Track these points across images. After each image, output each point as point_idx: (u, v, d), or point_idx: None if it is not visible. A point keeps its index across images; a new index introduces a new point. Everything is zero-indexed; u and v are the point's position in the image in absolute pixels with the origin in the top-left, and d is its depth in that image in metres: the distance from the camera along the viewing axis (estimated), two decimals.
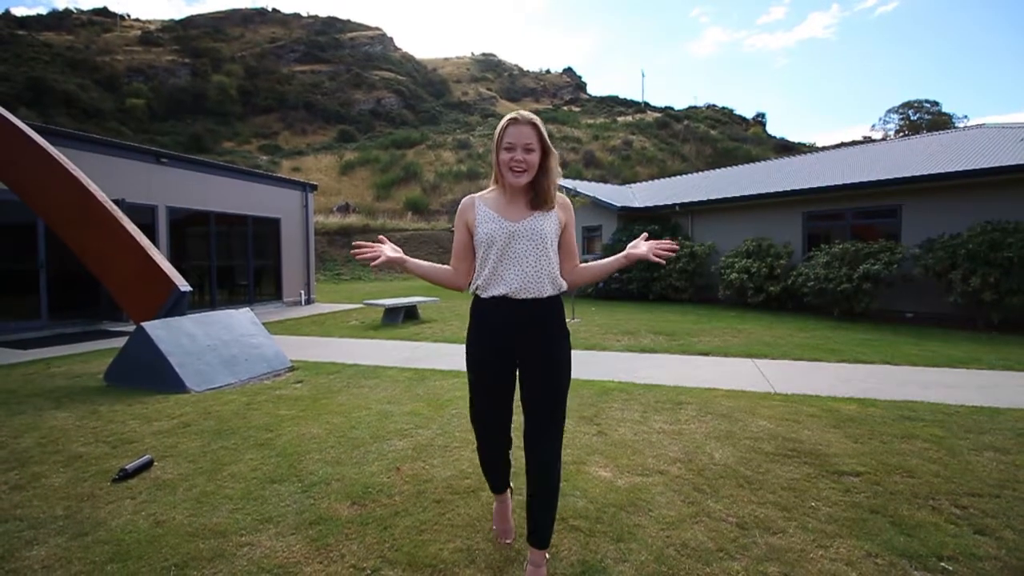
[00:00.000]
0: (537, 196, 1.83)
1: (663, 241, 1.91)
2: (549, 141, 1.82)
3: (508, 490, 2.22)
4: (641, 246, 1.93)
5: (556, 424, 1.87)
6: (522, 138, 1.77)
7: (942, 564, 2.05)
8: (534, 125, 1.78)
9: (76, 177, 5.57)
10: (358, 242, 1.81)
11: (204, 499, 2.65)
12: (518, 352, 1.86)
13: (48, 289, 8.86)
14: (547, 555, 1.98)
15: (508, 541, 2.14)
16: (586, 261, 2.05)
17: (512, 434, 2.13)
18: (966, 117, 58.70)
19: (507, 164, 1.79)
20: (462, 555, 2.14)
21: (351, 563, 2.09)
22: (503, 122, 1.81)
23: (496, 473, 2.12)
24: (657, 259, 1.89)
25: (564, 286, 1.91)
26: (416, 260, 1.94)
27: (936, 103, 56.51)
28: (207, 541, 2.25)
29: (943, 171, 9.16)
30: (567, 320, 1.99)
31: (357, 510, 2.52)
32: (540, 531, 1.90)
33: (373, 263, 1.82)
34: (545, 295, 1.84)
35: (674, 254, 1.94)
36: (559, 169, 1.87)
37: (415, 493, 2.70)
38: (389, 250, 1.87)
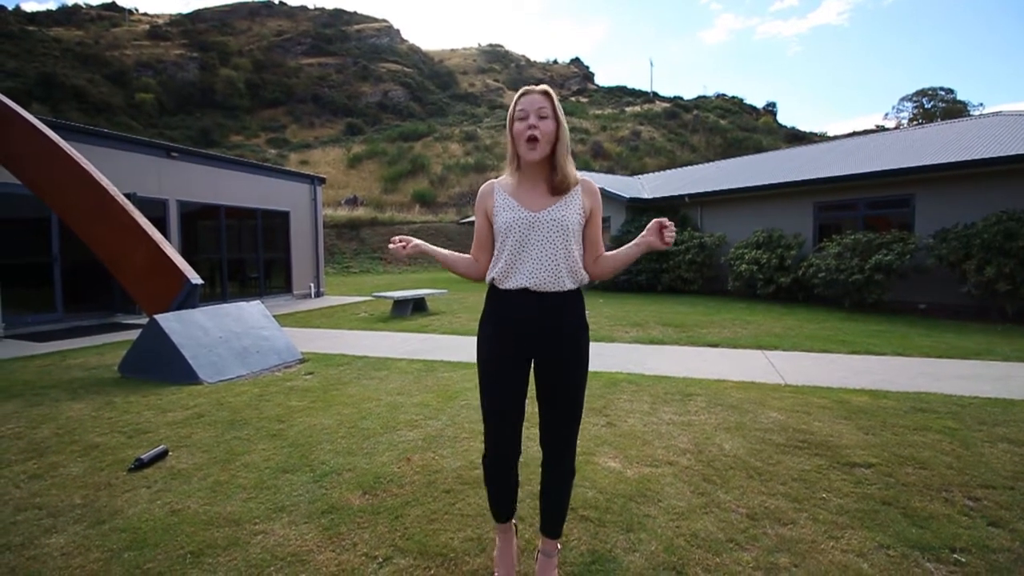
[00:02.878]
0: (555, 177, 1.74)
1: (662, 221, 1.72)
2: (561, 112, 1.74)
3: (514, 525, 2.00)
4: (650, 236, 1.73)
5: (574, 419, 1.83)
6: (535, 104, 1.70)
7: (955, 556, 2.04)
8: (547, 94, 1.72)
9: (88, 172, 5.62)
10: (398, 235, 1.83)
11: (218, 488, 2.69)
12: (535, 346, 1.78)
13: (62, 282, 8.97)
14: (559, 545, 1.99)
15: None
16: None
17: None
18: (981, 105, 57.33)
19: (521, 134, 1.70)
20: (472, 544, 2.16)
21: (363, 551, 2.11)
22: (515, 96, 1.76)
23: (503, 487, 1.90)
24: (666, 245, 1.72)
25: (585, 279, 1.83)
26: (438, 248, 1.90)
27: (951, 91, 55.34)
28: (221, 529, 2.29)
29: (957, 160, 9.00)
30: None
31: (368, 499, 2.55)
32: (553, 521, 1.89)
33: (403, 252, 1.84)
34: (565, 288, 1.75)
35: (673, 233, 1.73)
36: (569, 144, 1.79)
37: (425, 483, 2.72)
38: (416, 241, 1.88)
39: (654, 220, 1.73)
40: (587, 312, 1.90)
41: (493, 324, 1.81)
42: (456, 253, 1.93)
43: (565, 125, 1.74)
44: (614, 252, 1.88)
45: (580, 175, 1.81)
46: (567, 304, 1.78)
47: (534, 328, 1.75)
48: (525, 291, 1.74)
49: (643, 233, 1.75)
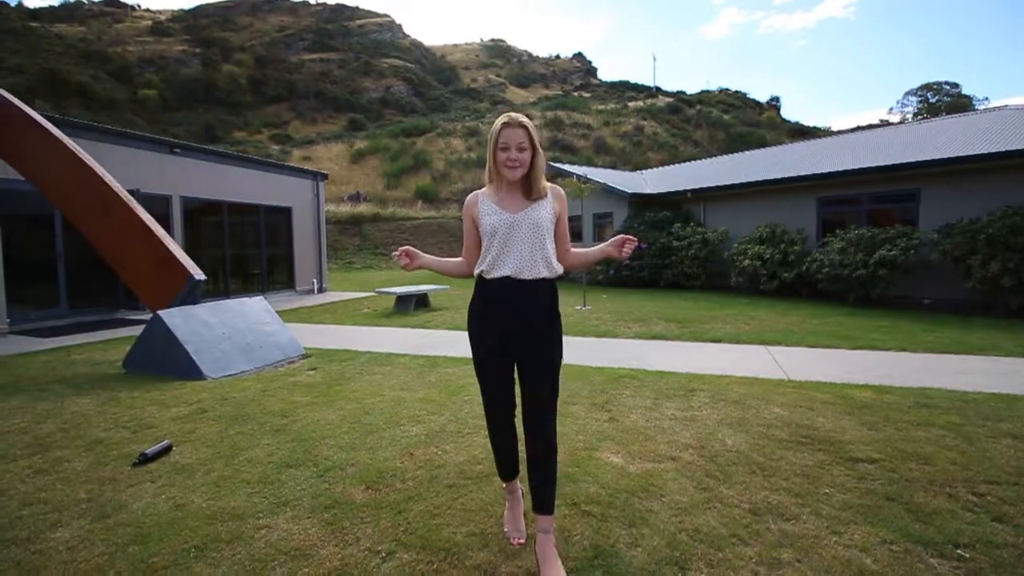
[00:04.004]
0: (531, 188, 2.05)
1: (627, 237, 2.08)
2: (537, 140, 2.02)
3: (518, 484, 2.29)
4: (611, 247, 2.11)
5: (549, 394, 2.03)
6: (515, 138, 1.97)
7: (958, 551, 2.03)
8: (524, 127, 1.98)
9: (92, 168, 5.63)
10: (403, 248, 2.13)
11: (222, 483, 2.70)
12: (514, 324, 2.02)
13: (66, 279, 9.01)
14: (554, 523, 2.05)
15: (521, 542, 2.15)
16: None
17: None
18: (987, 99, 56.96)
19: (504, 163, 1.99)
20: (475, 539, 2.17)
21: (366, 546, 2.12)
22: (496, 125, 2.01)
23: (503, 441, 2.20)
24: (622, 257, 2.09)
25: (560, 269, 2.11)
26: (431, 258, 2.20)
27: (956, 85, 54.88)
28: (225, 524, 2.30)
29: (963, 154, 8.94)
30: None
31: (371, 494, 2.56)
32: (541, 496, 2.01)
33: (407, 269, 2.14)
34: (540, 276, 2.03)
35: (633, 247, 2.09)
36: (543, 165, 2.09)
37: (428, 478, 2.73)
38: (417, 256, 2.16)
39: (620, 235, 2.10)
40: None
41: (481, 306, 2.10)
42: (449, 260, 2.26)
43: (541, 152, 2.05)
44: (582, 250, 2.24)
45: (550, 185, 2.12)
46: (542, 290, 2.05)
47: (515, 309, 2.03)
48: (508, 278, 2.02)
49: (609, 242, 2.11)
